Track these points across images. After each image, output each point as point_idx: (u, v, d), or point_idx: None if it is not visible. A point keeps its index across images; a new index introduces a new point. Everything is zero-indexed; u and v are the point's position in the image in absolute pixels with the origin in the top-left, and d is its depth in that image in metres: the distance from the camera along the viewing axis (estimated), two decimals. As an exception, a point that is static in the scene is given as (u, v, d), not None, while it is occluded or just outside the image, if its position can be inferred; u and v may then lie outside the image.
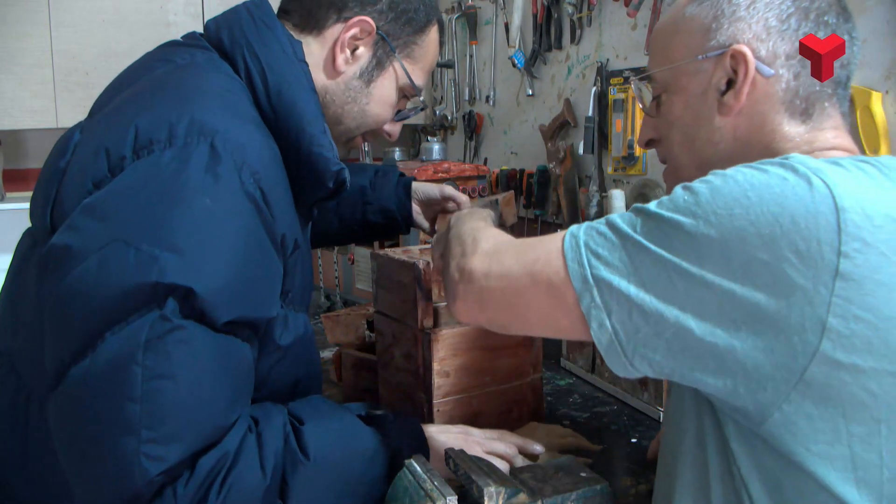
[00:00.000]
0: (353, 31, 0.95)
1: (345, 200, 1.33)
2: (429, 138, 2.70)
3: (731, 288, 0.60)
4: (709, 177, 0.65)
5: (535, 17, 2.17)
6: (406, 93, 1.04)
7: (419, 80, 1.03)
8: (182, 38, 0.96)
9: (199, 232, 0.73)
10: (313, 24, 0.96)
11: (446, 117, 2.78)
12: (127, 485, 0.68)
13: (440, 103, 2.82)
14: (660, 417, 1.32)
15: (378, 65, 0.98)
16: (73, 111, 2.37)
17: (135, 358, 0.69)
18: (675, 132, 0.81)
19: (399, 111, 1.07)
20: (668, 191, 0.84)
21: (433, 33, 1.03)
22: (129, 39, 2.39)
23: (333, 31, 0.96)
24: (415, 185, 1.37)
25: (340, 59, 0.96)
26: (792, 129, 0.74)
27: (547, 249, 0.71)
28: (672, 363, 0.64)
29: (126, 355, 0.69)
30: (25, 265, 0.86)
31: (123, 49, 2.37)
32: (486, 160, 2.56)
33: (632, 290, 0.64)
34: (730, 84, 0.75)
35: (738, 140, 0.76)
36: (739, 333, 0.60)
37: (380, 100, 1.01)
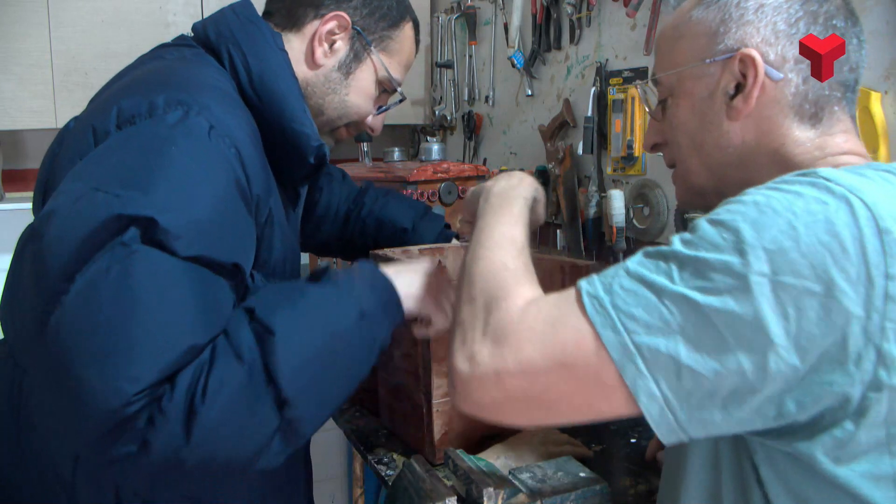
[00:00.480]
0: (330, 25, 1.01)
1: (384, 240, 1.39)
2: (428, 138, 2.70)
3: (787, 328, 0.56)
4: (736, 206, 0.61)
5: (534, 17, 2.17)
6: (385, 87, 1.09)
7: (396, 73, 1.09)
8: (172, 40, 1.01)
9: (168, 176, 0.75)
10: (293, 22, 1.02)
11: (445, 117, 2.78)
12: (109, 412, 0.67)
13: (439, 103, 2.82)
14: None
15: (355, 57, 1.04)
16: (72, 111, 2.34)
17: (98, 287, 0.70)
18: (681, 136, 0.80)
19: (381, 106, 1.12)
20: (679, 195, 0.86)
21: (408, 30, 1.09)
22: (128, 40, 2.38)
23: (311, 26, 1.02)
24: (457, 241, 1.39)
25: (319, 52, 1.02)
26: (801, 133, 0.73)
27: (575, 327, 0.62)
28: (729, 421, 0.60)
29: (91, 287, 0.70)
30: (21, 256, 0.87)
31: (123, 49, 2.37)
32: (485, 160, 2.55)
33: (681, 350, 0.58)
34: (738, 88, 0.74)
35: (747, 144, 0.75)
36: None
37: (359, 91, 1.06)
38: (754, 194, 0.62)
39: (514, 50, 2.23)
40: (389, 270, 0.93)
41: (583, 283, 0.64)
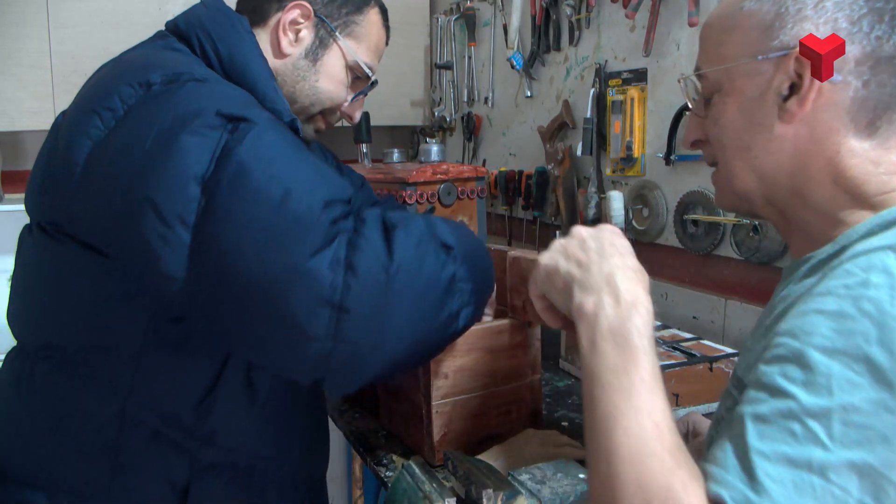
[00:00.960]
0: (292, 14, 1.03)
1: None
2: (427, 139, 2.70)
3: None
4: (839, 323, 0.54)
5: (533, 18, 2.17)
6: (357, 73, 1.10)
7: (366, 57, 1.10)
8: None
9: (227, 92, 0.87)
10: (260, 17, 1.04)
11: (445, 118, 2.78)
12: (312, 225, 0.77)
13: (439, 104, 2.82)
14: (658, 419, 1.32)
15: (321, 44, 1.06)
16: (71, 112, 2.37)
17: (246, 160, 0.78)
18: (727, 137, 0.74)
19: (356, 93, 1.13)
20: (720, 198, 0.79)
21: (373, 15, 1.11)
22: (127, 41, 2.36)
23: (275, 18, 1.04)
24: None
25: (284, 41, 1.04)
26: (857, 143, 0.67)
27: None
28: None
29: (241, 163, 0.78)
30: (36, 256, 0.92)
31: (122, 49, 2.37)
32: (484, 161, 2.56)
33: None
34: (792, 89, 0.68)
35: (799, 150, 0.69)
36: None
37: (329, 77, 1.07)
38: (839, 299, 0.55)
39: (514, 51, 2.23)
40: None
41: (722, 492, 0.52)
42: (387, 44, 1.16)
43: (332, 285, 0.76)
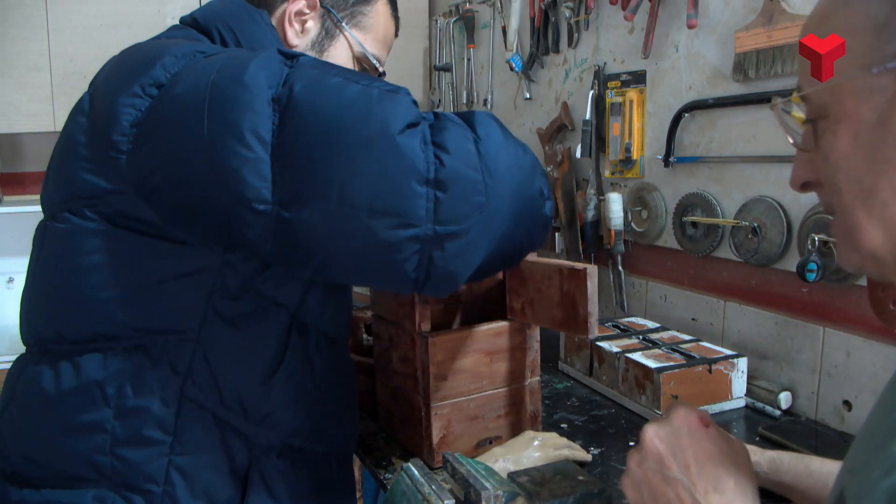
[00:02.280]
0: (298, 5, 1.03)
1: None
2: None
3: None
4: None
5: (532, 20, 2.17)
6: (364, 64, 1.09)
7: (373, 48, 1.09)
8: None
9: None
10: (266, 8, 1.04)
11: (444, 121, 2.78)
12: (398, 111, 0.77)
13: (438, 106, 2.82)
14: (657, 421, 1.32)
15: (328, 35, 1.06)
16: (70, 115, 2.37)
17: (311, 70, 0.79)
18: (842, 179, 0.55)
19: None
20: (842, 258, 0.59)
21: (381, 5, 1.10)
22: (127, 43, 2.36)
23: (282, 9, 1.04)
24: None
25: (290, 32, 1.03)
26: None
27: None
28: None
29: (309, 75, 0.79)
30: (70, 246, 0.88)
31: (121, 52, 2.37)
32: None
33: None
34: None
35: None
36: None
37: None
38: None
39: (513, 53, 2.23)
40: None
41: None
42: (396, 35, 1.15)
43: (425, 161, 0.76)
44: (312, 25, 1.04)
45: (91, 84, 0.94)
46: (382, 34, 1.11)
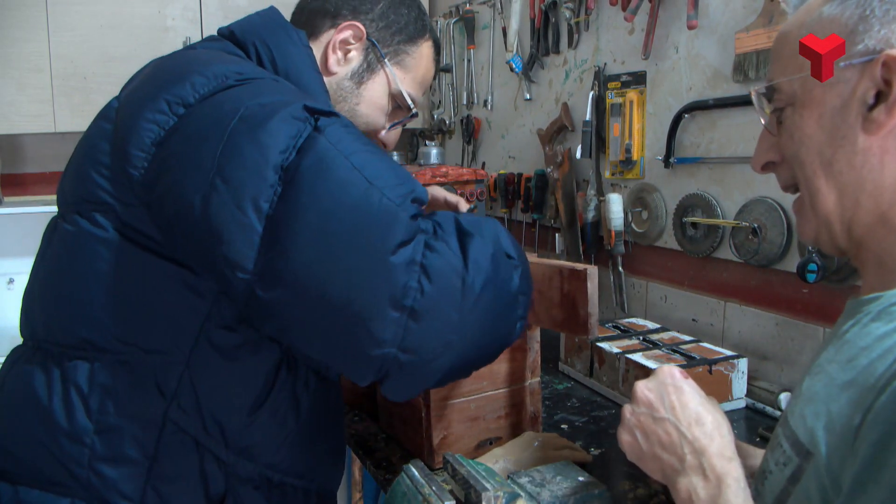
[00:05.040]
0: (345, 34, 1.03)
1: None
2: (427, 142, 2.70)
3: None
4: None
5: (532, 21, 2.17)
6: (399, 102, 1.09)
7: (410, 88, 1.09)
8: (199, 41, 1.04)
9: (306, 91, 0.89)
10: (312, 32, 1.04)
11: (444, 121, 2.78)
12: (393, 230, 0.76)
13: (438, 107, 2.82)
14: (658, 421, 1.32)
15: (368, 68, 1.05)
16: (71, 116, 2.37)
17: (328, 153, 0.77)
18: (806, 153, 0.68)
19: (394, 122, 1.12)
20: (803, 228, 0.72)
21: (426, 48, 1.10)
22: (127, 44, 2.39)
23: (327, 35, 1.04)
24: None
25: (332, 59, 1.03)
26: None
27: None
28: None
29: (322, 155, 0.77)
30: (77, 249, 0.88)
31: (122, 54, 2.37)
32: (483, 164, 2.56)
33: None
34: (879, 97, 0.63)
35: (887, 165, 0.63)
36: None
37: (370, 102, 1.07)
38: None
39: (513, 54, 2.23)
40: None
41: None
42: (435, 78, 1.16)
43: (405, 287, 0.75)
44: (355, 56, 1.04)
45: (122, 90, 0.94)
46: (422, 76, 1.11)
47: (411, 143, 3.09)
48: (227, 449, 0.88)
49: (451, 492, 0.94)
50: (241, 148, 0.76)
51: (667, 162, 1.67)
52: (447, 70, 2.72)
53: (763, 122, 0.74)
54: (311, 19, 1.05)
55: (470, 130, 2.62)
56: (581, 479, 0.98)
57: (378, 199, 0.76)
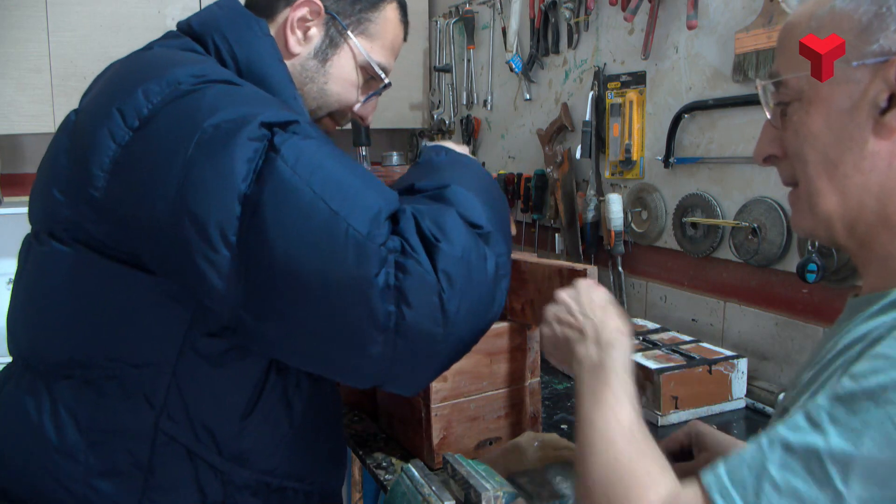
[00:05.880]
0: (301, 11, 0.97)
1: None
2: (427, 142, 2.70)
3: None
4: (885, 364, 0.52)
5: (532, 21, 2.17)
6: (370, 73, 1.04)
7: (380, 57, 1.03)
8: (160, 37, 1.00)
9: (259, 97, 0.82)
10: (267, 13, 0.99)
11: (444, 121, 2.78)
12: (360, 252, 0.73)
13: (438, 107, 2.82)
14: (657, 422, 1.32)
15: (332, 44, 1.00)
16: (70, 116, 2.37)
17: (285, 177, 0.74)
18: (811, 151, 0.66)
19: (369, 94, 1.07)
20: (798, 221, 0.71)
21: (390, 11, 1.04)
22: (126, 44, 2.36)
23: (283, 14, 0.98)
24: None
25: (292, 40, 0.98)
26: None
27: None
28: None
29: (280, 180, 0.74)
30: (51, 267, 0.86)
31: (121, 54, 2.35)
32: (483, 164, 2.56)
33: None
34: (892, 100, 0.60)
35: (894, 169, 0.62)
36: None
37: (339, 79, 1.02)
38: None
39: (513, 54, 2.23)
40: (445, 145, 0.99)
41: (718, 501, 0.54)
42: (405, 40, 1.09)
43: (385, 314, 0.74)
44: (316, 33, 0.99)
45: (82, 98, 0.93)
46: (390, 41, 1.04)
47: (411, 142, 3.09)
48: (220, 456, 0.87)
49: (450, 492, 0.94)
50: (203, 179, 0.74)
51: (666, 162, 1.67)
52: (447, 70, 2.72)
53: (768, 114, 0.72)
54: (267, 1, 0.99)
55: (470, 130, 2.62)
56: (581, 479, 0.98)
57: (344, 232, 0.73)
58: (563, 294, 0.88)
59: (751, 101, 1.45)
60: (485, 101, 2.52)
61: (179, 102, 0.78)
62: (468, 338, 0.82)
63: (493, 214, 0.84)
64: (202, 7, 1.00)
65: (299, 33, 0.98)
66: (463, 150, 1.00)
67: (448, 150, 0.94)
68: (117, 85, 0.84)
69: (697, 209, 1.61)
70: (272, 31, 0.98)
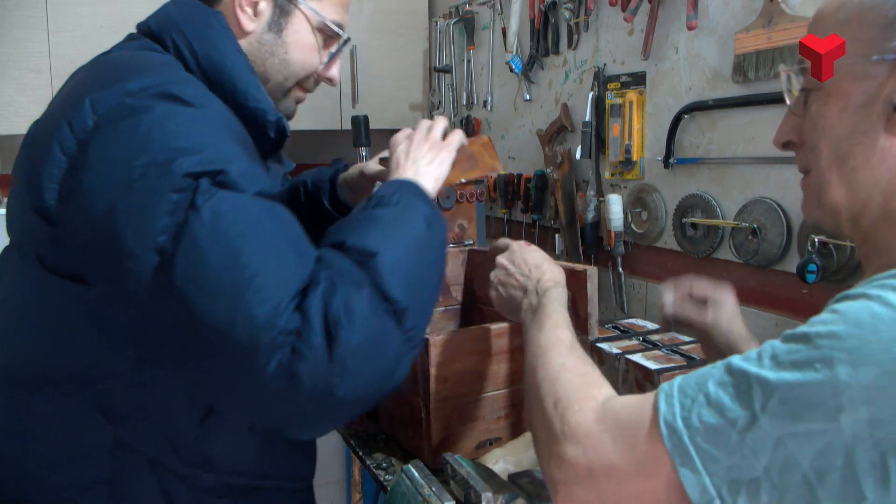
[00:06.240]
0: None
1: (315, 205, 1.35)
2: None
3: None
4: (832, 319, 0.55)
5: (532, 22, 2.18)
6: (327, 33, 1.03)
7: (332, 14, 1.02)
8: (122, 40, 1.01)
9: (200, 133, 0.79)
10: (213, 3, 0.98)
11: (444, 122, 2.78)
12: (252, 343, 0.72)
13: (438, 108, 2.82)
14: (658, 422, 1.32)
15: (283, 12, 0.99)
16: (70, 116, 2.36)
17: (200, 239, 0.73)
18: (824, 142, 0.67)
19: (331, 54, 1.06)
20: (807, 208, 0.72)
21: None
22: (126, 44, 2.38)
23: None
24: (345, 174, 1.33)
25: (244, 19, 0.97)
26: None
27: (653, 455, 0.60)
28: None
29: (193, 242, 0.73)
30: (19, 280, 0.88)
31: (121, 54, 2.36)
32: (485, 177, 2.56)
33: (763, 497, 0.55)
34: None
35: None
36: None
37: (298, 45, 1.01)
38: (856, 301, 0.55)
39: (513, 55, 2.23)
40: (409, 173, 0.98)
41: (662, 404, 0.60)
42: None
43: (278, 390, 0.73)
44: (265, 6, 0.98)
45: (48, 106, 0.93)
46: None
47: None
48: (182, 463, 0.87)
49: (450, 492, 0.94)
50: (125, 224, 0.74)
51: (666, 162, 1.67)
52: (447, 71, 2.72)
53: (788, 101, 0.72)
54: None
55: (469, 131, 2.62)
56: (581, 479, 0.98)
57: (242, 319, 0.72)
58: (501, 259, 1.02)
59: (751, 101, 1.45)
60: (485, 102, 2.52)
61: (119, 127, 0.78)
62: (361, 409, 0.82)
63: (416, 288, 0.82)
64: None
65: (249, 10, 0.98)
66: (445, 143, 1.02)
67: (403, 194, 0.90)
68: (69, 95, 0.85)
69: (697, 210, 1.61)
70: (225, 15, 0.97)
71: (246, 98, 0.92)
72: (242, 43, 0.98)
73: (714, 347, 1.04)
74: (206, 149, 0.77)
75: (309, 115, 2.55)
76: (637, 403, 0.63)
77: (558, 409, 0.69)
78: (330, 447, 2.67)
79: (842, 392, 0.51)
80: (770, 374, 0.54)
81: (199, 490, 0.88)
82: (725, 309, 1.06)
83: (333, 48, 1.06)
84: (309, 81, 1.06)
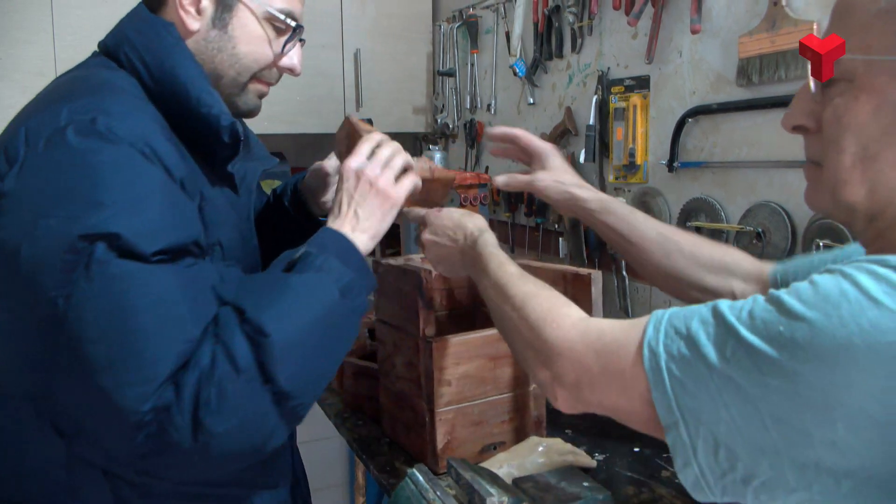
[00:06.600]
0: None
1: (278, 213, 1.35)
2: (430, 146, 2.70)
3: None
4: (808, 291, 0.55)
5: (535, 25, 2.18)
6: (276, 23, 1.01)
7: (280, 3, 1.00)
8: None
9: (107, 186, 0.79)
10: (158, 3, 0.99)
11: (447, 125, 2.78)
12: (125, 415, 0.75)
13: (441, 111, 2.83)
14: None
15: (225, 7, 0.98)
16: (74, 119, 2.37)
17: (86, 309, 0.75)
18: (849, 140, 0.62)
19: (283, 45, 1.04)
20: (812, 199, 0.70)
21: None
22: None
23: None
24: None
25: (187, 19, 0.97)
26: None
27: (631, 374, 0.64)
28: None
29: (79, 311, 0.75)
30: None
31: (125, 57, 2.37)
32: (487, 168, 2.56)
33: (721, 429, 0.57)
34: None
35: None
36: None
37: (245, 38, 1.00)
38: (833, 276, 0.55)
39: (516, 58, 2.24)
40: (346, 227, 0.97)
41: (650, 329, 0.64)
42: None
43: (147, 452, 0.77)
44: (207, 4, 0.96)
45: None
46: None
47: (414, 146, 3.09)
48: (134, 472, 0.87)
49: (455, 497, 0.94)
50: (27, 272, 0.77)
51: (670, 166, 1.67)
52: (450, 74, 2.72)
53: (811, 85, 0.66)
54: None
55: (473, 134, 2.62)
56: (585, 484, 0.98)
57: (118, 396, 0.75)
58: (425, 235, 1.10)
59: (755, 105, 1.45)
60: (488, 106, 2.52)
61: (38, 167, 0.80)
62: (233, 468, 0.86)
63: (306, 372, 0.84)
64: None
65: (192, 10, 0.97)
66: (393, 193, 1.04)
67: (329, 256, 0.90)
68: (18, 118, 0.87)
69: (701, 213, 1.61)
70: (169, 19, 0.97)
71: (199, 105, 0.92)
72: (189, 43, 0.97)
73: (553, 198, 1.16)
74: (110, 205, 0.78)
75: (312, 119, 2.55)
76: (625, 326, 0.67)
77: (535, 330, 0.75)
78: (333, 450, 2.67)
79: (797, 373, 0.53)
80: (742, 329, 0.57)
81: (152, 497, 0.89)
82: (552, 162, 1.18)
83: (285, 39, 1.04)
84: (268, 74, 1.05)
